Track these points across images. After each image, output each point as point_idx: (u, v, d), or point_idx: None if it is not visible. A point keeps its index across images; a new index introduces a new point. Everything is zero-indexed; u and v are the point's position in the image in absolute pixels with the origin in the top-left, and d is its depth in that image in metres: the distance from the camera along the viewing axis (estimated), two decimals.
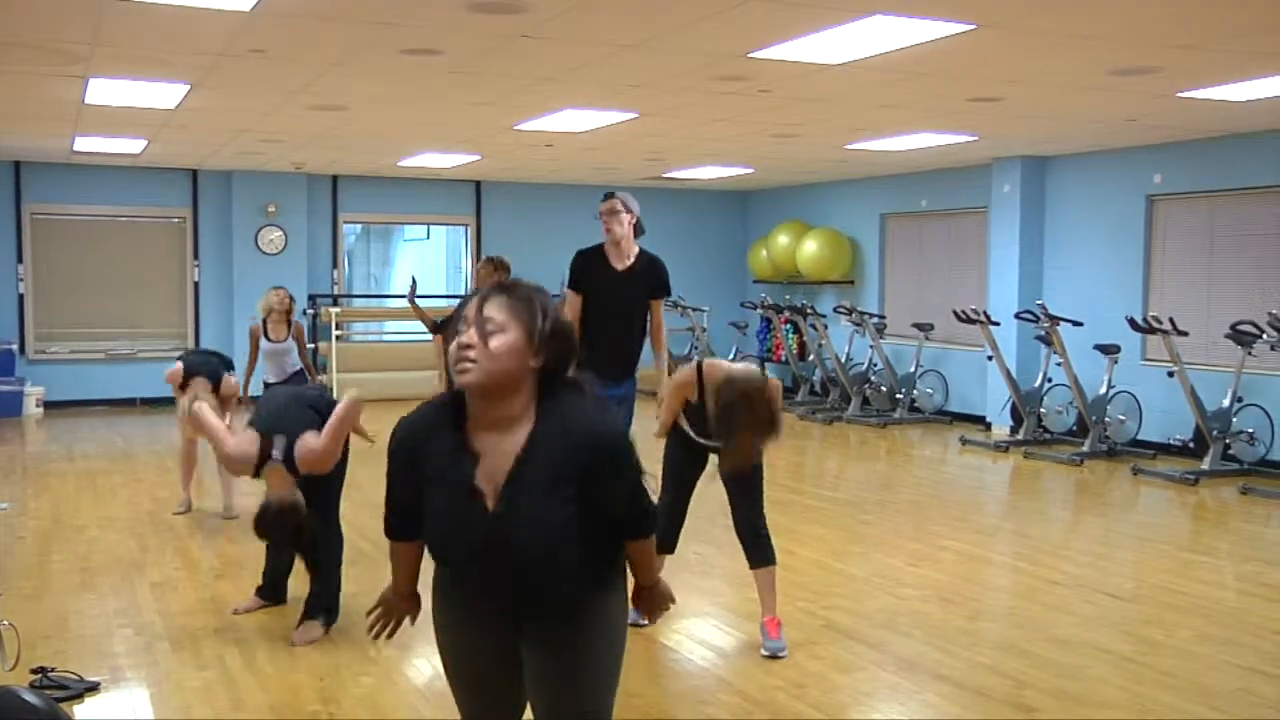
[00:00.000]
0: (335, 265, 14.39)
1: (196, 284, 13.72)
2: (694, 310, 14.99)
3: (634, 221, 6.22)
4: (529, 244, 15.04)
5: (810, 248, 14.15)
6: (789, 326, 14.63)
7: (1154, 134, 9.85)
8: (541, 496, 2.28)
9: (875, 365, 13.10)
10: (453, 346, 2.29)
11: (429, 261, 18.76)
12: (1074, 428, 10.97)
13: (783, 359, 14.91)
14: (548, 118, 9.17)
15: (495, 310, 2.30)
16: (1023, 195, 11.57)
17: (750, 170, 13.42)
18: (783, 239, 14.71)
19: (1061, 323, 10.44)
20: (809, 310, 13.78)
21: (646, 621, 3.03)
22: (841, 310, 13.16)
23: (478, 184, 15.07)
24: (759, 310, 14.70)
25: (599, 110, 8.81)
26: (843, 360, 13.27)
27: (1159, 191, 10.62)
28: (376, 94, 8.14)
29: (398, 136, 10.60)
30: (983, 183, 12.14)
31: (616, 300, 5.91)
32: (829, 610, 5.58)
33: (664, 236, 15.62)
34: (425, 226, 17.92)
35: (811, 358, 14.09)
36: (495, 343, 2.26)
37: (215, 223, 13.76)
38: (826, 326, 13.69)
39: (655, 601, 2.69)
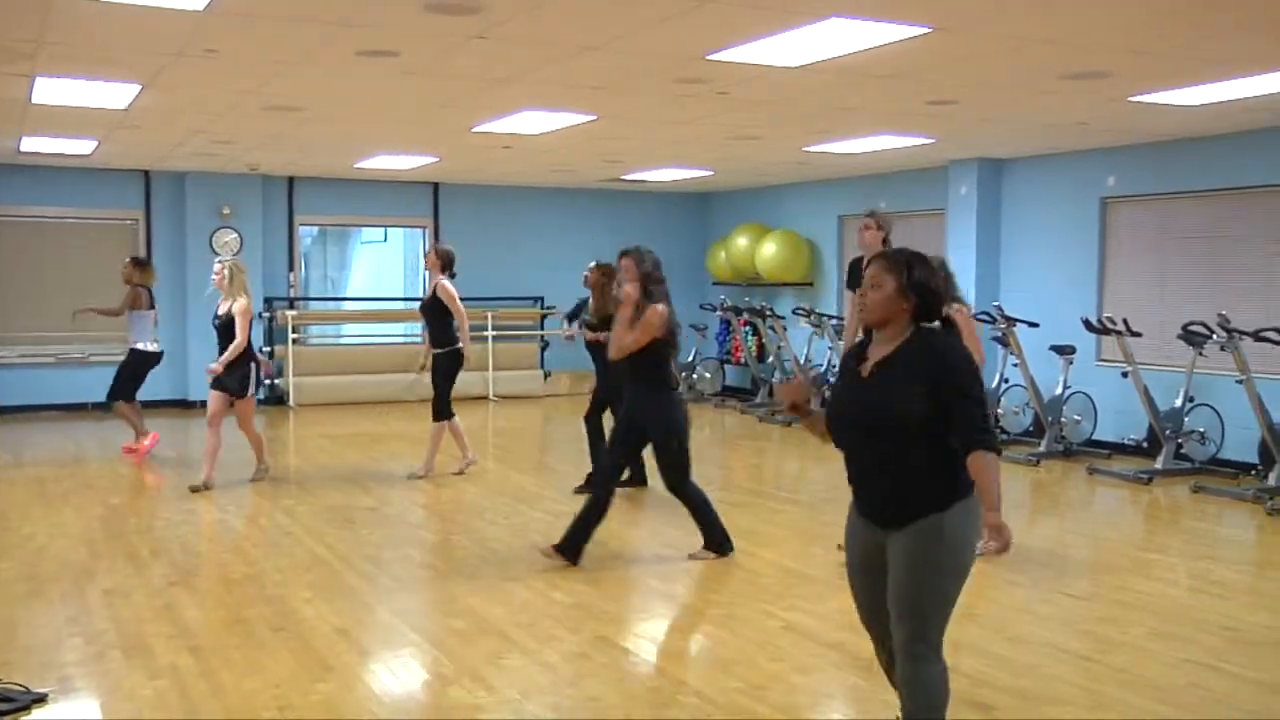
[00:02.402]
0: (291, 268, 14.28)
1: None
2: None
3: (883, 236, 7.13)
4: (489, 246, 15.00)
5: (769, 250, 14.19)
6: (748, 328, 14.66)
7: (1107, 137, 9.97)
8: (900, 380, 3.31)
9: (833, 366, 13.16)
10: (856, 295, 3.69)
11: (386, 264, 18.67)
12: (1030, 428, 11.07)
13: (741, 361, 14.94)
14: (506, 119, 9.14)
15: (876, 271, 3.41)
16: (979, 197, 11.67)
17: (709, 172, 13.44)
18: (742, 241, 14.75)
19: (1018, 324, 10.53)
20: (768, 312, 13.82)
21: (984, 549, 3.36)
22: (800, 312, 13.21)
23: (436, 186, 15.01)
24: (718, 312, 14.74)
25: (557, 112, 8.79)
26: (801, 362, 13.32)
27: (1113, 194, 10.74)
28: (332, 95, 8.08)
29: (354, 138, 10.53)
30: (940, 185, 12.23)
31: None
32: (789, 611, 5.60)
33: (622, 239, 15.55)
34: (383, 229, 17.82)
35: (770, 359, 14.13)
36: (876, 294, 3.39)
37: (169, 225, 13.61)
38: (785, 328, 13.73)
39: (995, 529, 3.26)
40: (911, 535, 3.32)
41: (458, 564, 6.58)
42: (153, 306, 10.37)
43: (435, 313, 8.85)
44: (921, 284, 3.38)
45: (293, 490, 8.70)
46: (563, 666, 4.81)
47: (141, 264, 10.50)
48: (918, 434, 3.28)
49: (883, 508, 3.41)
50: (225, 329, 8.65)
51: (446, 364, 8.91)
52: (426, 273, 10.15)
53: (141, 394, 10.40)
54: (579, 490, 8.33)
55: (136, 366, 10.20)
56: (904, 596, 3.34)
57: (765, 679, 4.65)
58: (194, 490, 8.51)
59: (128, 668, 4.74)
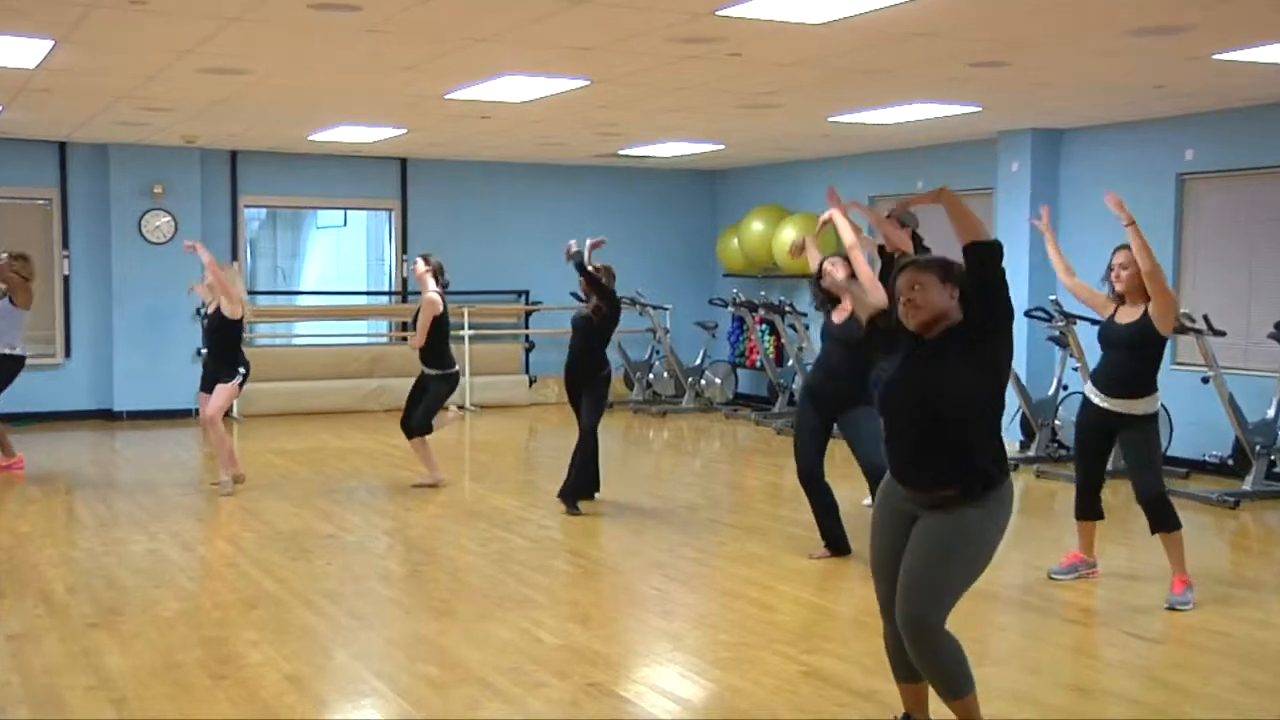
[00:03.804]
0: (235, 257, 14.24)
1: (66, 278, 13.53)
2: (654, 309, 14.98)
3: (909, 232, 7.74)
4: (465, 231, 14.99)
5: (789, 236, 14.15)
6: (764, 327, 14.64)
7: (1185, 103, 9.94)
8: (950, 359, 3.97)
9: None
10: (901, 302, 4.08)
11: (347, 253, 18.65)
12: None
13: (757, 364, 14.92)
14: (484, 85, 9.12)
15: (915, 274, 4.01)
16: (1033, 175, 11.64)
17: (719, 147, 13.42)
18: (757, 226, 14.73)
19: (1078, 321, 10.50)
20: (788, 308, 13.80)
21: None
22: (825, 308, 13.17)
23: (403, 162, 14.99)
24: (730, 308, 14.71)
25: (544, 77, 8.77)
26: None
27: (1191, 169, 10.72)
28: (283, 55, 8.06)
29: (308, 106, 10.51)
30: (987, 160, 12.21)
31: None
32: (810, 654, 5.56)
33: (619, 224, 15.61)
34: (342, 212, 17.80)
35: (791, 363, 14.11)
36: (922, 295, 3.99)
37: (89, 206, 13.58)
38: (808, 327, 13.70)
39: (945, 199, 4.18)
40: (941, 520, 3.97)
41: (428, 599, 6.55)
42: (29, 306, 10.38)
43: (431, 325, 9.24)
44: (959, 275, 4.01)
45: (237, 514, 8.67)
46: (550, 718, 4.77)
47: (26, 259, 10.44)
48: (958, 420, 3.94)
49: (919, 483, 4.03)
50: (215, 329, 9.33)
51: (442, 388, 9.37)
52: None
53: (59, 404, 10.39)
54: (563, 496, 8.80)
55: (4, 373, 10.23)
56: (923, 579, 3.97)
57: None
58: (227, 494, 9.15)
59: None
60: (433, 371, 9.31)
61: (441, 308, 9.17)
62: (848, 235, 6.77)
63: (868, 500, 8.47)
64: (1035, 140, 11.62)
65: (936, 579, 3.96)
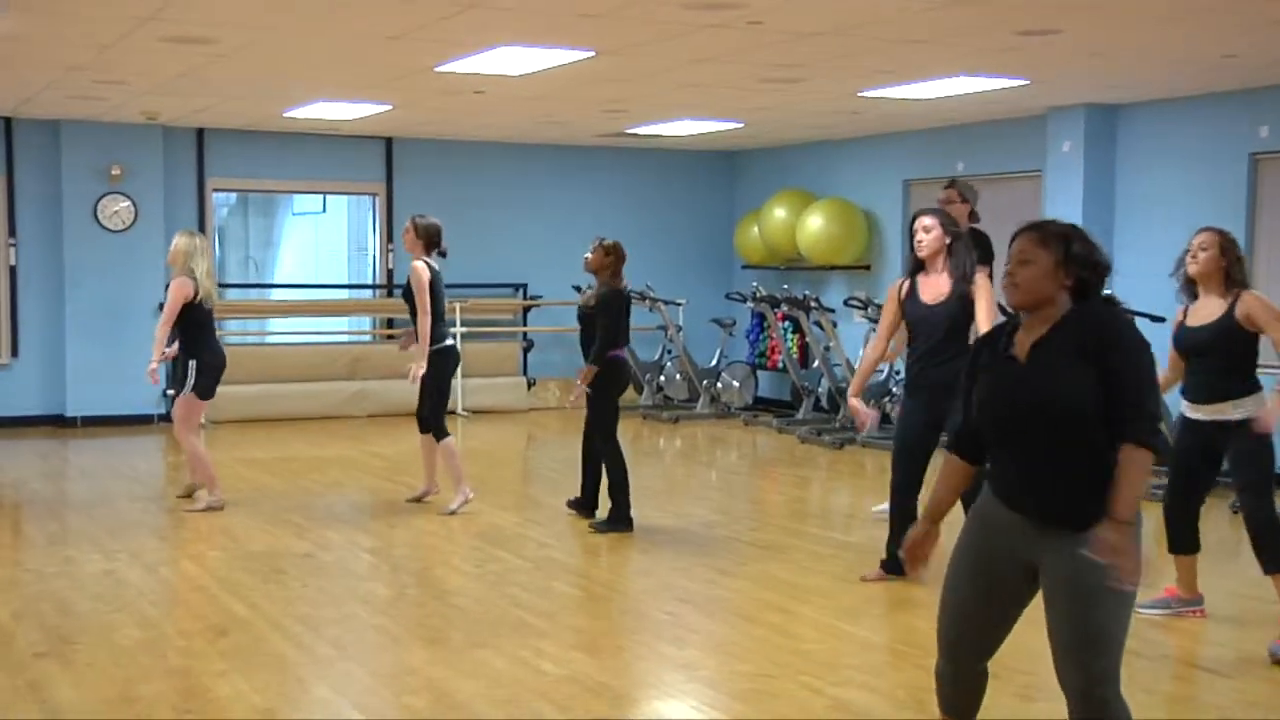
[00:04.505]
0: (193, 230, 14.27)
1: (13, 269, 13.53)
2: (666, 304, 14.97)
3: (968, 211, 8.12)
4: (456, 219, 14.82)
5: (815, 224, 14.16)
6: (787, 324, 14.63)
7: (1260, 74, 9.90)
8: (1064, 359, 3.70)
9: (899, 373, 13.11)
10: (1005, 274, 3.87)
11: (326, 242, 18.67)
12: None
13: (779, 365, 14.90)
14: (478, 57, 9.12)
15: (1028, 245, 3.81)
16: (1087, 155, 11.60)
17: (738, 125, 13.42)
18: (780, 213, 14.72)
19: (1137, 318, 10.47)
20: (813, 303, 13.78)
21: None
22: (855, 303, 13.16)
23: (389, 142, 15.00)
24: (749, 304, 14.69)
25: (544, 48, 8.77)
26: (855, 367, 13.26)
27: (1266, 148, 10.70)
28: (255, 23, 8.06)
29: (283, 79, 10.52)
30: (1036, 140, 12.18)
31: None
32: (839, 687, 5.56)
33: (627, 211, 15.61)
34: (320, 196, 17.82)
35: (817, 364, 14.09)
36: (1028, 270, 3.77)
37: (38, 189, 13.57)
38: (836, 324, 13.69)
39: (1118, 547, 3.56)
40: (1083, 549, 3.63)
41: (416, 626, 6.54)
42: None
43: (414, 300, 8.97)
44: (1083, 259, 3.79)
45: (203, 531, 8.68)
46: None
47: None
48: (1091, 421, 3.65)
49: (1050, 505, 3.73)
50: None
51: (433, 365, 9.00)
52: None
53: (5, 409, 10.39)
54: (572, 505, 9.00)
55: None
56: (1085, 629, 3.66)
57: None
58: (201, 510, 9.08)
59: None
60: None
61: (428, 276, 8.95)
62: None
63: (880, 507, 8.49)
64: (1089, 117, 11.59)
65: (1105, 629, 3.69)
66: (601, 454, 8.71)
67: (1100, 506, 3.62)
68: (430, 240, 9.08)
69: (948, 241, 7.08)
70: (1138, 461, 3.59)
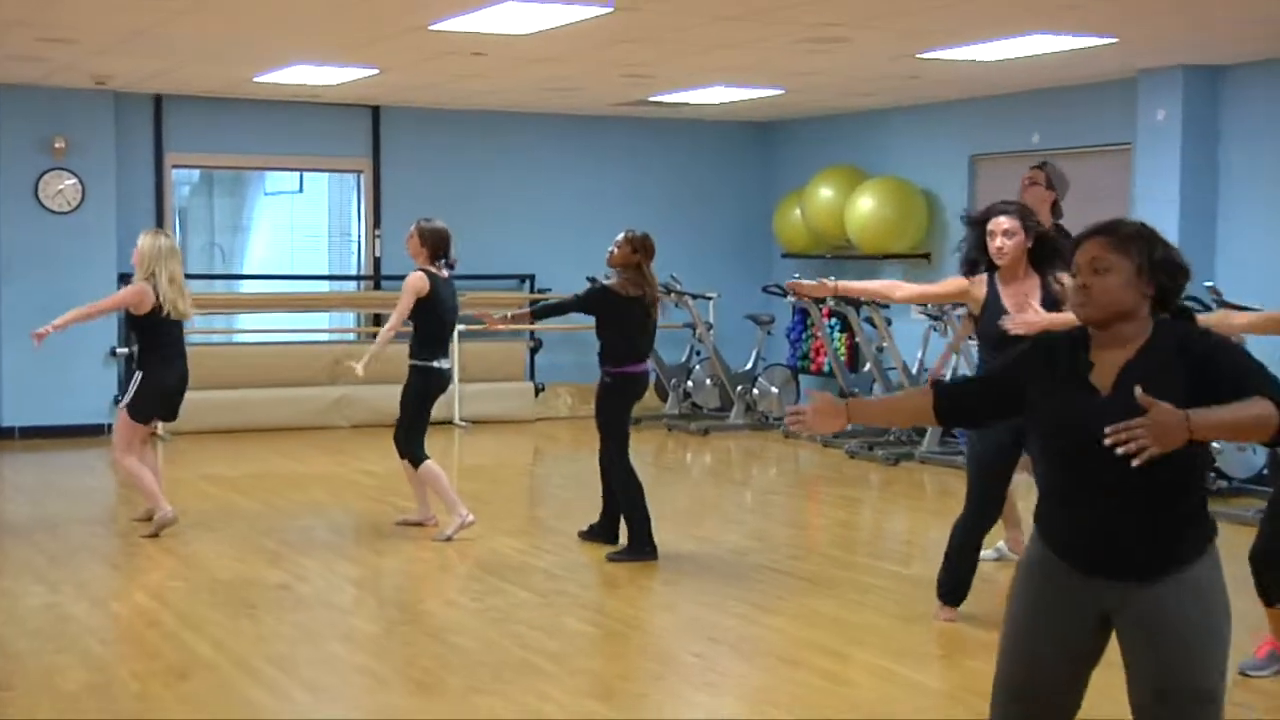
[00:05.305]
0: (161, 229, 14.33)
1: None
2: (694, 299, 14.95)
3: (1053, 199, 8.38)
4: (453, 199, 14.91)
5: (866, 206, 14.15)
6: (834, 322, 14.61)
7: None
8: (1159, 392, 3.45)
9: (962, 378, 13.07)
10: (1071, 286, 3.78)
11: (303, 226, 18.68)
12: (1264, 470, 10.92)
13: (824, 369, 14.88)
14: (478, 14, 9.14)
15: (1101, 250, 3.70)
16: (1185, 125, 11.54)
17: (777, 92, 13.44)
18: (825, 193, 14.72)
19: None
20: (865, 299, 13.75)
21: None
22: None
23: (375, 111, 15.03)
24: (790, 298, 14.66)
25: (555, 2, 8.79)
26: (914, 371, 13.25)
27: None
28: None
29: (254, 38, 10.54)
30: (1124, 108, 12.13)
31: None
32: None
33: (649, 191, 15.61)
34: (297, 174, 17.84)
35: (868, 367, 14.07)
36: (1104, 280, 3.67)
37: None
38: (890, 322, 13.66)
39: (1166, 423, 3.43)
40: (1174, 593, 3.61)
41: (406, 668, 6.54)
42: None
43: (416, 310, 9.07)
44: (1167, 264, 3.70)
45: (161, 559, 8.69)
46: None
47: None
48: (1185, 460, 3.52)
49: (1129, 555, 3.66)
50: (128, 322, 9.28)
51: (417, 385, 9.15)
52: None
53: None
54: (587, 536, 9.03)
55: None
56: (1187, 683, 3.60)
57: None
58: (153, 535, 9.04)
59: None
60: (410, 361, 9.14)
61: (426, 288, 8.99)
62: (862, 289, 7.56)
63: (994, 549, 8.36)
64: (1187, 80, 11.53)
65: (1214, 673, 3.65)
66: (609, 475, 8.73)
67: (1185, 550, 3.64)
68: (437, 248, 9.08)
69: (1029, 245, 6.99)
70: (1260, 409, 3.48)
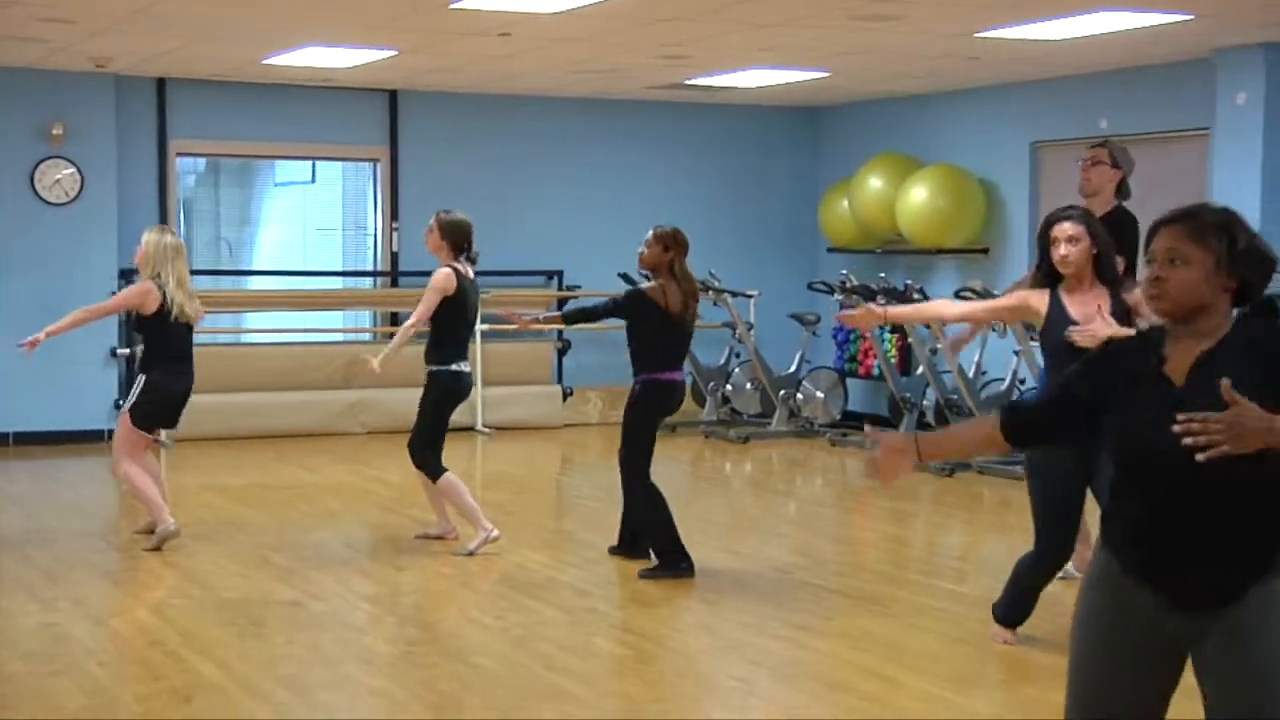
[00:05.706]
0: (165, 222, 14.38)
1: None
2: (734, 296, 14.94)
3: (1120, 178, 8.49)
4: (476, 190, 14.94)
5: (918, 196, 14.12)
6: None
7: None
8: (1238, 385, 3.39)
9: (1022, 383, 13.04)
10: (1144, 278, 3.75)
11: (315, 218, 18.72)
12: None
13: (874, 372, 14.86)
14: None
15: (1177, 241, 3.68)
16: (1268, 107, 11.50)
17: (823, 75, 13.44)
18: (875, 183, 14.70)
19: None
20: (916, 295, 13.73)
21: None
22: (969, 294, 13.10)
23: (393, 95, 15.06)
24: (837, 296, 14.64)
25: None
26: (971, 375, 13.21)
27: None
28: None
29: (263, 16, 10.59)
30: (1202, 90, 12.08)
31: None
32: None
33: (685, 181, 15.60)
34: (308, 163, 17.88)
35: (920, 370, 14.04)
36: (1181, 274, 3.65)
37: None
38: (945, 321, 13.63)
39: (1251, 420, 3.39)
40: (1264, 614, 3.55)
41: (425, 691, 6.55)
42: None
43: (438, 310, 9.08)
44: (1250, 255, 3.69)
45: (164, 574, 8.72)
46: None
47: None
48: (1273, 464, 3.46)
49: (1213, 576, 3.60)
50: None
51: (435, 394, 9.16)
52: None
53: None
54: (617, 550, 9.03)
55: None
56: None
57: None
58: (156, 549, 9.06)
59: None
60: (427, 366, 9.17)
61: (453, 288, 9.01)
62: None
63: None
64: (1270, 60, 11.47)
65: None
66: (630, 490, 8.72)
67: (1268, 566, 3.58)
68: (458, 242, 9.08)
69: (1095, 253, 6.94)
70: None
